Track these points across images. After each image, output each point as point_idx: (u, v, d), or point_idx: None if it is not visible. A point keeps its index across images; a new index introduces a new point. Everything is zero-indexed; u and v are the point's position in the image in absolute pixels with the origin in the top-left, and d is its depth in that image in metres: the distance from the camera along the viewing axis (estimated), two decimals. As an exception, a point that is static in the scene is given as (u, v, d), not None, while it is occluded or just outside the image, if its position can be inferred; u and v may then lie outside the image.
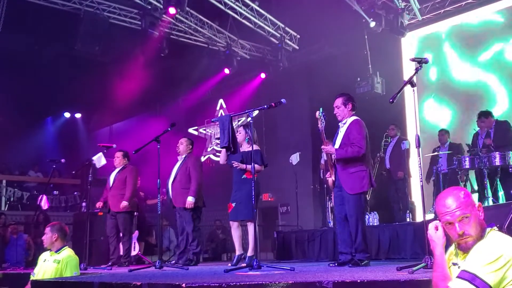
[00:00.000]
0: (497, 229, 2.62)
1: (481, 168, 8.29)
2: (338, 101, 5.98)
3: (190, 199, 7.46)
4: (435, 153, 9.48)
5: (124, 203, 8.22)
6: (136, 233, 9.85)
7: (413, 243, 7.61)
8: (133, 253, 9.71)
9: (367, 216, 9.28)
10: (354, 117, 5.93)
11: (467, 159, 8.45)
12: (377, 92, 11.70)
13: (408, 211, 9.43)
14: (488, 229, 2.61)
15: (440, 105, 11.54)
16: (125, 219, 8.37)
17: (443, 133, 9.79)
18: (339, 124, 6.02)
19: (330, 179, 5.92)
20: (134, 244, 9.75)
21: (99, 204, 8.51)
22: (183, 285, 3.23)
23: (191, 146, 7.92)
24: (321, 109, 5.90)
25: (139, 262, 9.80)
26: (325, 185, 9.75)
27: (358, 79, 11.98)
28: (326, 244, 8.97)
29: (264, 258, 12.43)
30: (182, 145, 7.84)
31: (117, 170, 8.58)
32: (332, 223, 9.60)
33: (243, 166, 6.91)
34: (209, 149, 15.97)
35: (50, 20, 11.64)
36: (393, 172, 9.91)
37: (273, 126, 14.58)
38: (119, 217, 8.35)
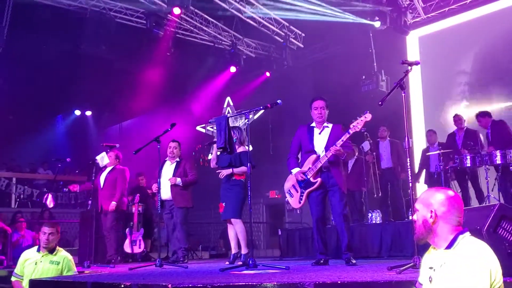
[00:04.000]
0: (469, 234, 2.66)
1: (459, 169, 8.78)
2: (323, 103, 6.08)
3: (178, 180, 7.81)
4: (434, 152, 9.49)
5: (113, 204, 8.40)
6: (141, 231, 9.95)
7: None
8: (139, 250, 9.82)
9: (370, 214, 9.37)
10: (332, 123, 6.08)
11: (468, 157, 8.51)
12: (382, 90, 11.72)
13: (410, 209, 9.44)
14: (459, 237, 2.65)
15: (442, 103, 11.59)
16: (113, 218, 8.52)
17: (431, 133, 9.87)
18: (313, 125, 6.11)
19: (320, 180, 5.95)
20: (140, 241, 9.86)
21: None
22: (169, 286, 3.32)
23: (180, 148, 8.21)
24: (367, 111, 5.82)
25: (145, 259, 9.89)
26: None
27: (363, 77, 12.01)
28: (329, 241, 8.98)
29: (271, 255, 12.53)
30: (177, 149, 8.06)
31: (107, 170, 8.72)
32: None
33: (229, 171, 7.06)
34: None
35: (56, 19, 11.78)
36: (396, 172, 9.90)
37: (279, 124, 14.66)
38: (109, 216, 8.50)
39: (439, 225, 2.69)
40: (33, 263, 5.58)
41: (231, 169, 7.04)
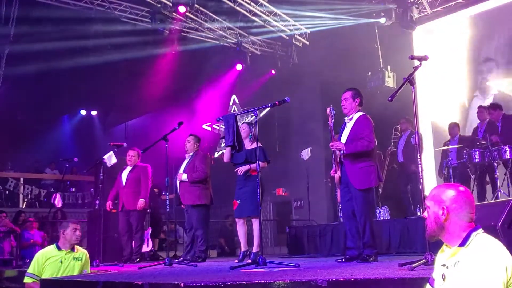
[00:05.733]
0: (482, 231, 2.63)
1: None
2: (347, 94, 5.91)
3: (184, 177, 7.52)
4: (445, 147, 9.43)
5: (142, 201, 8.29)
6: (149, 230, 9.95)
7: (424, 237, 7.56)
8: (147, 249, 9.81)
9: (378, 211, 9.28)
10: (361, 113, 5.85)
11: (477, 152, 8.41)
12: (388, 86, 11.68)
13: (419, 205, 9.40)
14: (472, 235, 2.61)
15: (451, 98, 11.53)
16: (138, 216, 8.43)
17: (453, 126, 9.73)
18: (345, 119, 5.95)
19: (337, 175, 5.89)
20: (148, 241, 9.85)
21: (108, 205, 8.57)
22: (182, 284, 3.31)
23: (198, 144, 7.83)
24: (331, 105, 5.91)
25: (153, 258, 9.90)
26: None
27: (369, 73, 11.97)
28: (337, 239, 8.96)
29: (278, 253, 12.51)
30: (190, 143, 7.75)
31: (129, 168, 8.58)
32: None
33: (246, 167, 6.85)
34: (222, 145, 16.06)
35: (62, 19, 11.80)
36: (407, 166, 9.81)
37: (286, 122, 14.64)
38: (133, 214, 8.38)
39: (451, 221, 2.66)
40: (57, 261, 5.47)
41: (248, 166, 6.86)
